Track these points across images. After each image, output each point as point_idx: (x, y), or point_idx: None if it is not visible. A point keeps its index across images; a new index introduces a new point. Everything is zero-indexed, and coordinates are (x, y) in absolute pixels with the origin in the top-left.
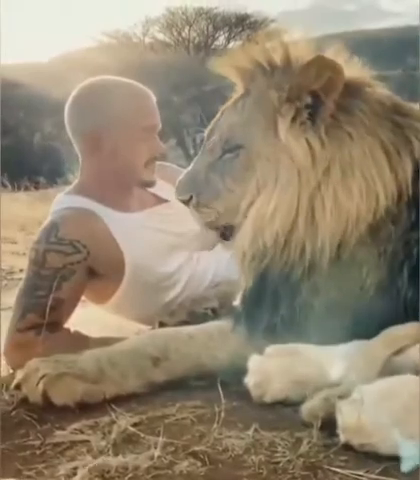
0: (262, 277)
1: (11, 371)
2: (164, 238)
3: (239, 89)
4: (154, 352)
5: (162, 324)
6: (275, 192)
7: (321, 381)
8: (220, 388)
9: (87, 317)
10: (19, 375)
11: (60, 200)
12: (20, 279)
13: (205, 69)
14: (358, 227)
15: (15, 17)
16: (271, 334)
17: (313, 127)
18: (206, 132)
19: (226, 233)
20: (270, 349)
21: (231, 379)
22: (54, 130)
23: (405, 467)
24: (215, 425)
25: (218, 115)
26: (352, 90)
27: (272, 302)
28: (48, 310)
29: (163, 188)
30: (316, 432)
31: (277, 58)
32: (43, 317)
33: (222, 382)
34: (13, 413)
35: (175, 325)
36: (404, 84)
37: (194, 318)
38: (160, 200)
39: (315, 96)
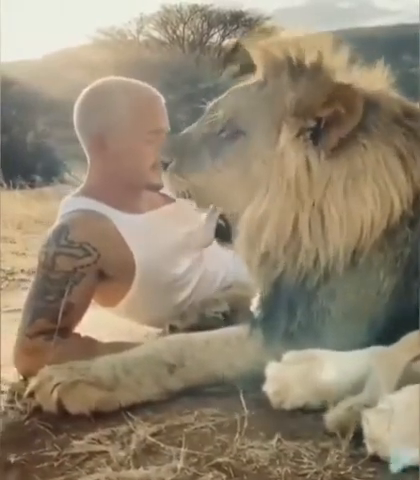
0: (277, 284)
1: (21, 378)
2: (173, 238)
3: (257, 74)
4: (170, 359)
5: (172, 327)
6: (265, 199)
7: (340, 387)
8: (242, 398)
9: (96, 320)
10: (32, 383)
11: (68, 203)
12: (21, 280)
13: (200, 67)
14: (373, 233)
15: (9, 15)
16: (288, 340)
17: (315, 147)
18: (209, 105)
19: (222, 229)
20: (288, 356)
21: (248, 386)
22: (48, 128)
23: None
24: (237, 435)
25: (226, 93)
26: (368, 106)
27: (289, 308)
28: (58, 315)
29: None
30: (345, 443)
31: (308, 61)
32: (53, 322)
33: (238, 390)
34: (27, 422)
35: (186, 328)
36: (399, 82)
37: (205, 321)
38: (168, 199)
39: (319, 122)
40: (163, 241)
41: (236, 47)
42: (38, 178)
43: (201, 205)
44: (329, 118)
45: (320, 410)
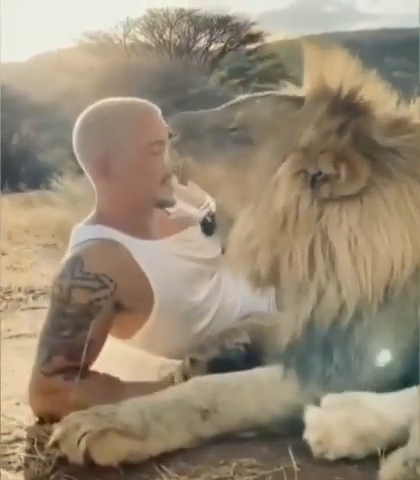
0: (310, 323)
1: (37, 419)
2: (189, 265)
3: (298, 91)
4: (202, 404)
5: (192, 360)
6: (252, 219)
7: (384, 433)
8: (291, 453)
9: (105, 350)
10: (57, 432)
11: (80, 232)
12: (20, 299)
13: (188, 72)
14: (405, 269)
15: None
16: (326, 383)
17: (311, 191)
18: (233, 100)
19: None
20: (328, 400)
21: (283, 430)
22: (33, 132)
23: None
24: None
25: (256, 95)
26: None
27: (324, 350)
28: (75, 352)
29: (183, 211)
30: None
31: (359, 100)
32: (70, 359)
33: (274, 434)
34: (52, 476)
35: (207, 361)
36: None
37: (226, 353)
38: (181, 226)
39: (320, 173)
40: (179, 268)
41: (224, 51)
42: (23, 183)
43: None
44: (329, 175)
45: (364, 459)
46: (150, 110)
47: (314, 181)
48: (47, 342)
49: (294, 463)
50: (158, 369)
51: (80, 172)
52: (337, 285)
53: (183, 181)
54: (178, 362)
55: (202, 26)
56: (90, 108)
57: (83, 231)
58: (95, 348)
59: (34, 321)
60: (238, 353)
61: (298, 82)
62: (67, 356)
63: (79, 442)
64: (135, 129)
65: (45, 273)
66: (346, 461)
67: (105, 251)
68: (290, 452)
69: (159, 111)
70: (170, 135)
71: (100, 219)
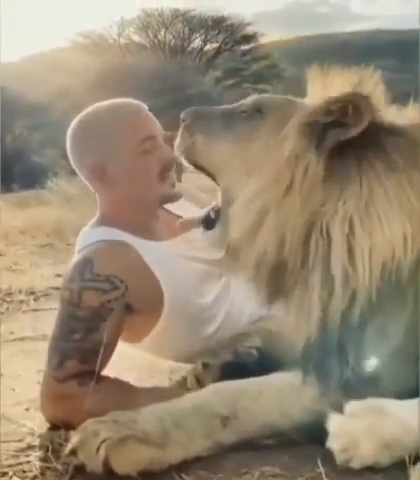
0: (323, 324)
1: (48, 426)
2: (196, 267)
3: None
4: (222, 410)
5: (205, 365)
6: (257, 183)
7: (409, 440)
8: (320, 465)
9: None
10: (74, 439)
11: (87, 234)
12: (21, 302)
13: (184, 73)
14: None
15: None
16: (345, 387)
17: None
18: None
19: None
20: (351, 407)
21: (303, 437)
22: (25, 131)
23: None
24: None
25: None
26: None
27: (339, 351)
28: (88, 355)
29: (188, 212)
30: None
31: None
32: (83, 363)
33: (293, 442)
34: None
35: (220, 365)
36: None
37: (238, 357)
38: (187, 227)
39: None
40: (187, 269)
41: (219, 51)
42: (16, 185)
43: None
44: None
45: (389, 467)
46: (136, 108)
47: (320, 133)
48: (58, 347)
49: (323, 473)
50: (168, 373)
51: (74, 172)
52: (344, 273)
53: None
54: (187, 366)
55: (197, 26)
56: (81, 114)
57: (90, 234)
58: (107, 351)
59: (37, 323)
60: (250, 357)
61: (292, 83)
62: (80, 360)
63: (98, 450)
64: (124, 130)
65: (45, 274)
66: (370, 470)
67: (115, 252)
68: (319, 462)
69: (146, 107)
70: (183, 120)
71: (104, 221)
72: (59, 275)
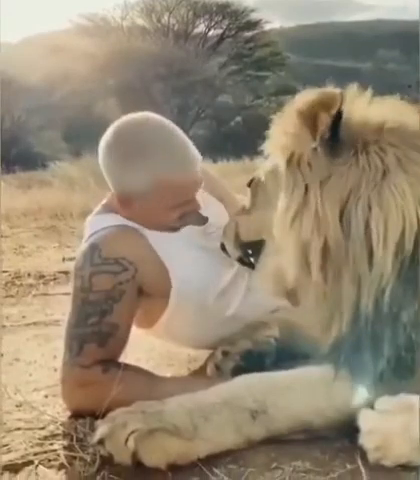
0: (356, 314)
1: (69, 414)
2: (209, 256)
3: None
4: (252, 404)
5: (225, 353)
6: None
7: None
8: (359, 460)
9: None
10: (102, 429)
11: (95, 222)
12: (30, 285)
13: (187, 59)
14: None
15: None
16: (379, 380)
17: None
18: None
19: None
20: (383, 404)
21: (334, 432)
22: (24, 114)
23: None
24: None
25: None
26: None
27: (373, 342)
28: (104, 338)
29: (204, 201)
30: None
31: None
32: (101, 346)
33: (323, 437)
34: (98, 477)
35: (239, 353)
36: (374, 77)
37: (257, 346)
38: (202, 218)
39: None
40: (198, 258)
41: (222, 38)
42: (18, 167)
43: None
44: None
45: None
46: (184, 146)
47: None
48: (76, 334)
49: (363, 472)
50: (186, 363)
51: (76, 155)
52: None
53: None
54: (206, 354)
55: (201, 11)
56: (122, 129)
57: (96, 221)
58: (122, 334)
59: (47, 308)
60: (269, 346)
61: (294, 70)
62: (98, 343)
63: (126, 441)
64: (167, 171)
65: (52, 258)
66: (403, 467)
67: (121, 236)
68: (359, 460)
69: (199, 160)
70: None
71: (112, 208)
72: (67, 259)
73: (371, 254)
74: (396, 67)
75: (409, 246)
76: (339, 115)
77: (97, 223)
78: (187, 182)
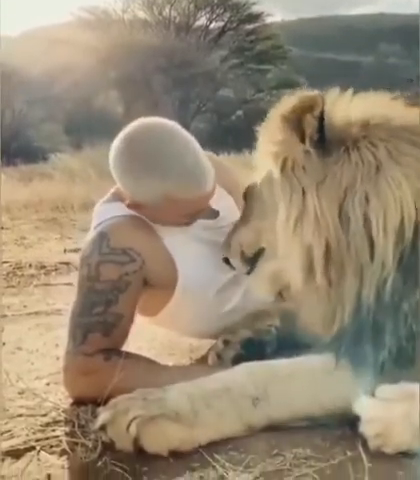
0: (358, 304)
1: (71, 401)
2: (214, 251)
3: None
4: (253, 391)
5: (226, 341)
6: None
7: None
8: (361, 449)
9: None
10: (104, 415)
11: (103, 211)
12: (31, 276)
13: (189, 51)
14: None
15: None
16: (380, 371)
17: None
18: None
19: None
20: (383, 392)
21: (335, 421)
22: (25, 107)
23: None
24: None
25: None
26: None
27: (374, 332)
28: (109, 328)
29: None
30: None
31: None
32: (105, 336)
33: (324, 424)
34: (99, 463)
35: (240, 341)
36: (376, 71)
37: (258, 334)
38: (213, 212)
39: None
40: (206, 252)
41: (224, 30)
42: (19, 160)
43: None
44: None
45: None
46: (200, 187)
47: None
48: (81, 323)
49: (364, 459)
50: (188, 352)
51: (77, 147)
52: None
53: None
54: (207, 344)
55: (202, 4)
56: (138, 140)
57: (106, 210)
58: (125, 324)
59: (49, 298)
60: (270, 335)
61: (296, 63)
62: (103, 333)
63: (128, 427)
64: (181, 191)
65: (53, 249)
66: (403, 454)
67: (130, 226)
68: (360, 447)
69: (212, 175)
70: None
71: (122, 196)
72: (69, 250)
73: (372, 245)
74: (397, 61)
75: (409, 235)
76: (322, 116)
77: (106, 212)
78: (199, 198)
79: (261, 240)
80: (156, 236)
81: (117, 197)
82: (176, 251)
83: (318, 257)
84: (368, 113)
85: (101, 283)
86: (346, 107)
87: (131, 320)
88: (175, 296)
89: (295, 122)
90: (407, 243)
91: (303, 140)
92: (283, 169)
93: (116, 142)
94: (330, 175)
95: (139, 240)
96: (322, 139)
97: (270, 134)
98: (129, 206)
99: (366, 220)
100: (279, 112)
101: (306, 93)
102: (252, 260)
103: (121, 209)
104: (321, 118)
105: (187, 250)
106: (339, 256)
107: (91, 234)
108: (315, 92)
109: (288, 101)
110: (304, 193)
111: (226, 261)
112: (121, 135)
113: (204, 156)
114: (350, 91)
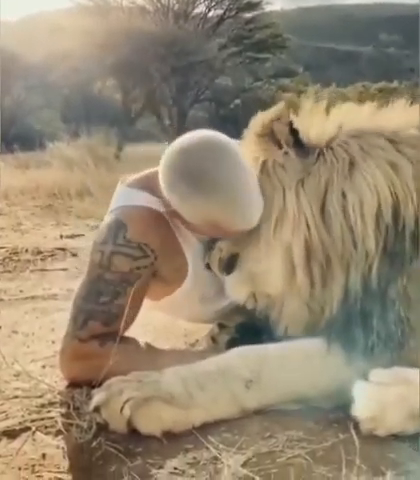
0: (345, 291)
1: (66, 384)
2: None
3: None
4: (246, 373)
5: (221, 326)
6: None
7: None
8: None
9: None
10: (98, 397)
11: (124, 194)
12: (27, 261)
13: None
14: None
15: None
16: (370, 354)
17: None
18: None
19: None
20: (377, 375)
21: (327, 404)
22: (24, 93)
23: None
24: (344, 470)
25: None
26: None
27: (363, 318)
28: (112, 318)
29: None
30: None
31: None
32: (106, 325)
33: (318, 407)
34: (94, 443)
35: (235, 325)
36: (375, 61)
37: (252, 317)
38: None
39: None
40: None
41: (223, 18)
42: (17, 147)
43: None
44: None
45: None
46: (247, 222)
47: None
48: (84, 308)
49: (356, 441)
50: (183, 337)
51: (75, 135)
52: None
53: None
54: (201, 329)
55: None
56: (194, 156)
57: (128, 194)
58: (131, 316)
59: (45, 283)
60: (264, 319)
61: (294, 52)
62: (104, 322)
63: (122, 409)
64: (216, 228)
65: (49, 235)
66: (396, 437)
67: (150, 221)
68: (352, 431)
69: (260, 210)
70: None
71: (148, 186)
72: (65, 236)
73: (353, 233)
74: (397, 51)
75: (388, 219)
76: (291, 121)
77: (129, 197)
78: (241, 231)
79: (237, 244)
80: (171, 233)
81: (144, 185)
82: (190, 250)
83: (298, 256)
84: (341, 122)
85: (111, 273)
86: (322, 118)
87: (137, 311)
88: (180, 291)
89: (269, 134)
90: (389, 229)
91: (281, 147)
92: (263, 169)
93: (172, 153)
94: (310, 176)
95: (156, 238)
96: (298, 142)
97: (248, 151)
98: (167, 214)
99: (345, 212)
100: (252, 132)
101: (273, 107)
102: (228, 264)
103: (145, 200)
104: (291, 123)
105: (199, 248)
106: (323, 254)
107: (109, 217)
108: (280, 104)
109: (257, 120)
110: (284, 192)
111: (207, 267)
112: (178, 146)
113: (257, 186)
114: (324, 103)
